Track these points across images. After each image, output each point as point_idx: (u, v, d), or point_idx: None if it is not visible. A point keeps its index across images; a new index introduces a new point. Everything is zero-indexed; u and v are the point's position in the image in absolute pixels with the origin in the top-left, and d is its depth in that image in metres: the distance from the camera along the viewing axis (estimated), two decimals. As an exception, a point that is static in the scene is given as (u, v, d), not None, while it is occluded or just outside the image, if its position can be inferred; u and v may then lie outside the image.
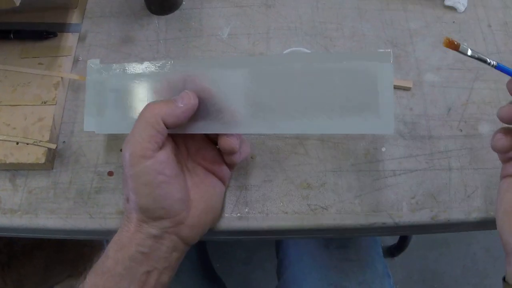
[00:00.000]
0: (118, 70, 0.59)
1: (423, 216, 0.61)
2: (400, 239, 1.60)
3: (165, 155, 0.50)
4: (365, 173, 0.63)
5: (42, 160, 0.63)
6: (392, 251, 1.66)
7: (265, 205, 0.62)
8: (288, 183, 0.63)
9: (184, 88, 0.54)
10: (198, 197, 0.55)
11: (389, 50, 0.51)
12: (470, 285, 1.60)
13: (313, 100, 0.52)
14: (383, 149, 0.65)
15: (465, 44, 0.48)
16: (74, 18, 0.74)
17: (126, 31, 0.75)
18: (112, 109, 0.58)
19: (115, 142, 0.66)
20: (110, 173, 0.64)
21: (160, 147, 0.50)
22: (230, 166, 0.59)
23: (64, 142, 0.67)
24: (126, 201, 0.52)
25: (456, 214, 0.61)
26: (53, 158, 0.65)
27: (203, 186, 0.56)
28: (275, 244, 0.97)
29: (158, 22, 0.76)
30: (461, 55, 0.69)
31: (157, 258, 0.51)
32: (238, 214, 0.61)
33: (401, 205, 0.62)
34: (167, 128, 0.50)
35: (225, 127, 0.54)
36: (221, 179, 0.59)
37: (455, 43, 0.48)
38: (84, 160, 0.65)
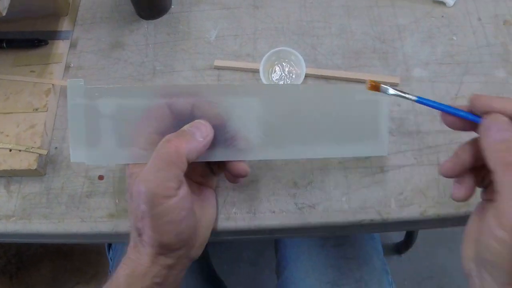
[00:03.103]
0: (110, 93, 0.53)
1: (412, 212, 0.61)
2: (406, 236, 1.59)
3: (185, 189, 0.50)
4: (352, 170, 0.63)
5: (34, 166, 0.64)
6: (399, 248, 1.65)
7: (252, 205, 0.62)
8: (275, 182, 0.63)
9: (192, 114, 0.53)
10: (201, 215, 0.56)
11: (388, 86, 0.53)
12: None
13: (320, 128, 0.56)
14: (371, 146, 0.65)
15: (387, 85, 0.51)
16: (65, 25, 0.75)
17: (116, 36, 0.76)
18: (106, 137, 0.53)
19: (105, 146, 0.67)
20: (100, 177, 0.65)
21: (182, 182, 0.50)
22: (216, 172, 0.60)
23: (56, 148, 0.68)
24: (136, 235, 0.51)
25: (446, 209, 0.61)
26: (45, 164, 0.66)
27: (201, 202, 0.57)
28: (274, 243, 0.97)
29: (148, 26, 0.77)
30: (450, 49, 0.69)
31: (169, 283, 0.52)
32: (226, 215, 0.62)
33: (389, 201, 0.61)
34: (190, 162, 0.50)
35: (241, 154, 0.54)
36: (211, 187, 0.60)
37: (376, 85, 0.51)
38: (75, 165, 0.66)
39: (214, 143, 0.53)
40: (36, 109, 0.68)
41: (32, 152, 0.65)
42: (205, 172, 0.58)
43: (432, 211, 0.61)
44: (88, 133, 0.53)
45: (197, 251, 0.55)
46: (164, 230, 0.49)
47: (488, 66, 0.69)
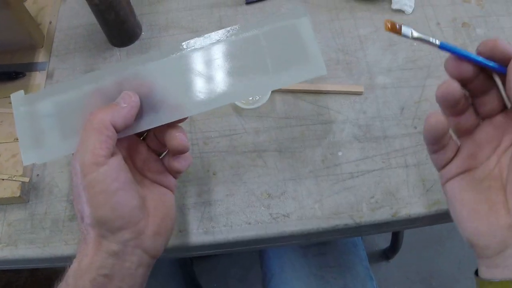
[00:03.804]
0: (46, 95, 0.56)
1: (383, 214, 0.63)
2: (392, 241, 1.60)
3: (118, 161, 0.48)
4: (324, 178, 0.65)
5: (18, 194, 0.66)
6: (387, 254, 1.66)
7: (229, 218, 0.64)
8: (249, 195, 0.65)
9: (121, 91, 0.52)
10: (153, 205, 0.53)
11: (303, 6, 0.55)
12: (468, 279, 1.59)
13: (247, 66, 0.54)
14: (340, 154, 0.67)
15: (408, 26, 0.47)
16: (41, 57, 0.78)
17: (90, 65, 0.79)
18: (50, 134, 0.55)
19: (85, 170, 0.69)
20: (82, 201, 0.67)
21: (112, 154, 0.48)
22: (175, 174, 0.58)
23: (38, 175, 0.70)
24: (81, 221, 0.49)
25: (417, 209, 0.63)
26: (28, 191, 0.68)
27: (154, 195, 0.54)
28: (258, 257, 0.99)
29: (120, 53, 0.79)
30: (412, 55, 0.72)
31: (122, 277, 0.48)
32: (204, 229, 0.64)
33: (361, 205, 0.63)
34: (116, 131, 0.49)
35: (171, 115, 0.52)
36: (168, 188, 0.57)
37: (397, 26, 0.46)
38: (57, 190, 0.68)
39: (145, 112, 0.53)
40: (16, 139, 0.70)
41: (15, 180, 0.67)
42: (160, 171, 0.57)
43: (403, 212, 0.63)
44: (34, 135, 0.55)
45: (152, 243, 0.51)
46: (98, 202, 0.47)
47: (449, 68, 0.72)
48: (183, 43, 0.55)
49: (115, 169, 0.47)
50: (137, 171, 0.56)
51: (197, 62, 0.54)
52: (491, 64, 0.44)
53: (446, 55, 0.72)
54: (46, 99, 0.55)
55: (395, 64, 0.73)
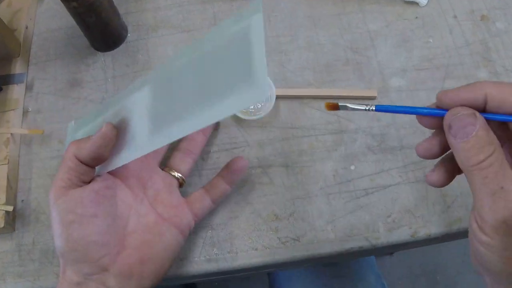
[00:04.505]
0: (86, 123, 0.57)
1: (401, 235, 0.59)
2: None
3: (80, 193, 0.48)
4: (335, 195, 0.60)
5: (2, 224, 0.61)
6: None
7: (233, 244, 0.59)
8: (255, 216, 0.60)
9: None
10: (136, 244, 0.51)
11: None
12: (472, 273, 1.58)
13: (196, 92, 0.45)
14: (352, 167, 0.62)
15: (342, 102, 0.48)
16: (17, 67, 0.70)
17: (73, 73, 0.72)
18: None
19: (73, 194, 0.64)
20: (71, 229, 0.62)
21: (79, 185, 0.48)
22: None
23: (22, 201, 0.64)
24: None
25: (437, 227, 0.59)
26: (13, 219, 0.63)
27: (146, 234, 0.52)
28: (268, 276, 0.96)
29: (105, 59, 0.72)
30: (427, 52, 0.66)
31: None
32: (207, 257, 0.59)
33: (377, 225, 0.59)
34: (85, 164, 0.48)
35: (134, 153, 0.50)
36: (178, 228, 0.54)
37: (334, 105, 0.48)
38: (44, 217, 0.63)
39: (122, 148, 0.51)
40: (-3, 163, 0.64)
41: (-3, 209, 0.61)
42: (176, 205, 0.55)
43: (422, 232, 0.59)
44: None
45: (118, 283, 0.49)
46: (56, 231, 0.48)
47: (469, 67, 0.66)
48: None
49: (72, 201, 0.47)
50: (147, 203, 0.55)
51: (162, 92, 0.50)
52: (425, 111, 0.44)
53: (464, 52, 0.66)
54: (83, 127, 0.57)
55: (410, 64, 0.66)
